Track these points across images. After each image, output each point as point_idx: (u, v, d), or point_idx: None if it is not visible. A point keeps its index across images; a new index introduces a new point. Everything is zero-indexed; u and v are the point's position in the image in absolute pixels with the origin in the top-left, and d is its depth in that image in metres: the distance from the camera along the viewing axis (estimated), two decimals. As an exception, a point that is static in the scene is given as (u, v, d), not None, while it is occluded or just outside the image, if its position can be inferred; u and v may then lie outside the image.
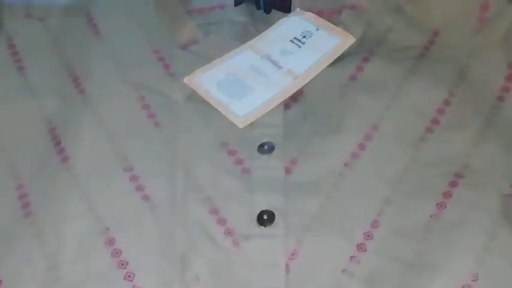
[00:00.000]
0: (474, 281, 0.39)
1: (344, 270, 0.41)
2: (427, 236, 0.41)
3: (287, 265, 0.41)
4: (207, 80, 0.49)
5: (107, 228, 0.42)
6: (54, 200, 0.44)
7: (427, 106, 0.47)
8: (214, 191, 0.44)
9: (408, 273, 0.40)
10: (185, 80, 0.49)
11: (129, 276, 0.40)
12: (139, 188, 0.44)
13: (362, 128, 0.46)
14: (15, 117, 0.48)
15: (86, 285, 0.40)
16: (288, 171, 0.45)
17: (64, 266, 0.41)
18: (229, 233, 0.42)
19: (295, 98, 0.49)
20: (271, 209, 0.43)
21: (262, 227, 0.42)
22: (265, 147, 0.46)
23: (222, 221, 0.43)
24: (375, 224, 0.42)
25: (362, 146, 0.46)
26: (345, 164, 0.45)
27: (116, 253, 0.41)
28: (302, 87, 0.49)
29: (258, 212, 0.43)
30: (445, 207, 0.42)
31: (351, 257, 0.41)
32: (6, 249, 0.42)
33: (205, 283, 0.40)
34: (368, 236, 0.42)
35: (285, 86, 0.49)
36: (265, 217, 0.43)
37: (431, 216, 0.42)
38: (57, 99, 0.49)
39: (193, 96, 0.49)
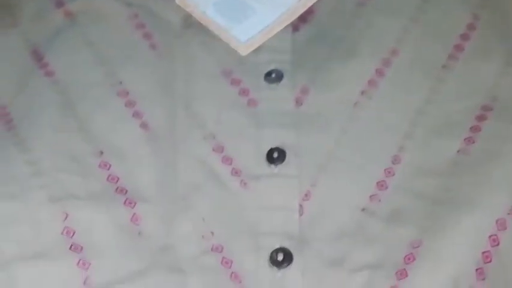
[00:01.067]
0: (510, 214, 0.36)
1: (363, 209, 0.37)
2: (455, 172, 0.38)
3: (301, 206, 0.37)
4: (202, 0, 0.44)
5: (101, 152, 0.38)
6: (39, 115, 0.39)
7: (449, 30, 0.42)
8: (217, 127, 0.40)
9: (435, 210, 0.37)
10: (177, 0, 0.44)
11: (130, 202, 0.37)
12: (136, 115, 0.40)
13: (379, 52, 0.42)
14: None
15: (83, 203, 0.36)
16: (298, 102, 0.41)
17: (49, 173, 0.37)
18: (236, 173, 0.38)
19: (304, 18, 0.44)
20: (281, 147, 0.39)
21: (273, 166, 0.39)
22: (273, 75, 0.42)
23: (227, 160, 0.39)
24: (396, 160, 0.38)
25: (379, 73, 0.41)
26: (362, 93, 0.41)
27: (113, 179, 0.38)
28: (312, 6, 0.44)
29: (267, 149, 0.39)
30: (474, 142, 0.38)
31: (371, 196, 0.38)
32: None
33: (210, 223, 0.37)
34: (389, 172, 0.38)
35: (293, 5, 0.44)
36: (275, 155, 0.39)
37: (458, 151, 0.38)
38: (39, 22, 0.44)
39: (189, 20, 0.44)
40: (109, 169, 0.38)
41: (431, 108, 0.40)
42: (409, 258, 0.35)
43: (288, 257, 0.36)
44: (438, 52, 0.42)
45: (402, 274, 0.35)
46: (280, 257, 0.36)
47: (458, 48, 0.42)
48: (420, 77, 0.41)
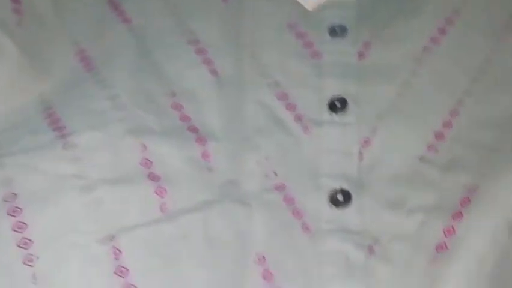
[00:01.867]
0: None
1: (421, 158, 0.38)
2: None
3: (360, 152, 0.39)
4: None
5: (174, 94, 0.40)
6: (118, 58, 0.42)
7: None
8: (282, 76, 0.41)
9: (492, 158, 0.38)
10: None
11: (200, 140, 0.39)
12: (206, 62, 0.42)
13: (442, 11, 0.43)
14: None
15: (159, 137, 0.38)
16: (361, 55, 0.42)
17: (128, 108, 0.39)
18: (298, 118, 0.40)
19: None
20: (343, 96, 0.40)
21: (334, 114, 0.40)
22: (337, 29, 0.43)
23: (291, 107, 0.41)
24: (454, 113, 0.40)
25: (442, 31, 0.42)
26: (424, 48, 0.42)
27: (185, 118, 0.40)
28: (379, -37, 0.45)
29: (329, 97, 0.41)
30: None
31: (428, 146, 0.39)
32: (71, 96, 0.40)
33: (273, 163, 0.39)
34: (447, 124, 0.39)
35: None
36: (337, 104, 0.40)
37: None
38: None
39: None
40: (180, 110, 0.40)
41: (491, 67, 0.41)
42: (465, 201, 0.36)
43: (347, 198, 0.38)
44: (501, 14, 0.43)
45: (457, 216, 0.36)
46: (340, 197, 0.38)
47: None
48: (481, 36, 0.42)
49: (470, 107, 0.40)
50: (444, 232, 0.36)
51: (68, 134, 0.37)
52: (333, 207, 0.38)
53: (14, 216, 0.35)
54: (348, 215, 0.37)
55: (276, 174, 0.38)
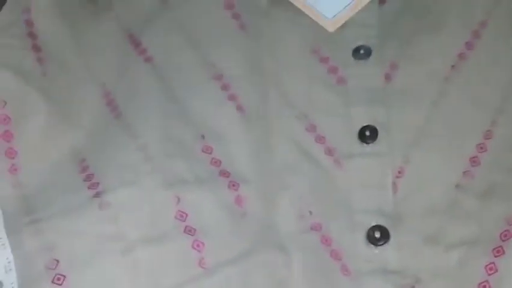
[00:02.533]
0: None
1: (457, 186, 0.38)
2: None
3: (394, 184, 0.38)
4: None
5: (203, 136, 0.39)
6: (143, 101, 0.41)
7: None
8: (309, 106, 0.41)
9: None
10: None
11: (233, 185, 0.38)
12: (232, 98, 0.41)
13: (468, 24, 0.41)
14: (94, 28, 0.44)
15: (192, 187, 0.38)
16: (387, 78, 0.41)
17: (159, 159, 0.38)
18: (329, 152, 0.39)
19: None
20: (373, 124, 0.40)
21: (365, 144, 0.39)
22: (361, 51, 0.42)
23: (320, 139, 0.40)
24: (488, 135, 0.39)
25: (469, 45, 0.41)
26: (452, 67, 0.41)
27: (215, 162, 0.39)
28: (398, -23, 0.43)
29: (359, 128, 0.40)
30: None
31: (464, 172, 0.38)
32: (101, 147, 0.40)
33: (307, 202, 0.38)
34: (482, 148, 0.39)
35: (378, -23, 0.44)
36: (367, 133, 0.40)
37: None
38: (132, 5, 0.45)
39: None
40: (211, 153, 0.39)
41: None
42: (505, 235, 0.36)
43: (385, 234, 0.37)
44: None
45: (499, 251, 0.36)
46: (377, 234, 0.37)
47: None
48: (510, 49, 0.41)
49: (504, 128, 0.39)
50: (486, 269, 0.35)
51: (102, 192, 0.37)
52: (371, 245, 0.37)
53: (59, 284, 0.35)
54: (386, 253, 0.37)
55: (311, 213, 0.38)
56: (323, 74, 0.42)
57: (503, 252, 0.35)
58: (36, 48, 0.42)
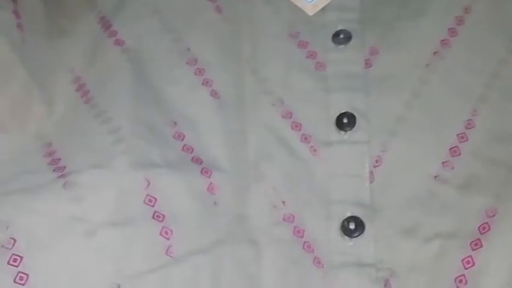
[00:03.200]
0: None
1: (436, 177, 0.37)
2: None
3: (371, 173, 0.37)
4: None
5: (175, 123, 0.38)
6: (115, 85, 0.39)
7: None
8: (286, 92, 0.39)
9: (510, 177, 0.36)
10: None
11: (206, 171, 0.37)
12: (206, 83, 0.39)
13: (452, 11, 0.40)
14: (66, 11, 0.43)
15: (163, 170, 0.37)
16: (367, 63, 0.40)
17: (130, 141, 0.37)
18: (305, 139, 0.38)
19: None
20: (351, 111, 0.38)
21: (342, 132, 0.38)
22: (341, 35, 0.40)
23: (297, 126, 0.39)
24: (469, 125, 0.38)
25: (452, 32, 0.40)
26: (434, 53, 0.39)
27: (188, 149, 0.38)
28: (381, -40, 0.42)
29: (337, 114, 0.38)
30: None
31: (443, 162, 0.37)
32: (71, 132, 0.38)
33: (281, 193, 0.37)
34: (462, 137, 0.37)
35: (361, -40, 0.42)
36: (345, 120, 0.38)
37: None
38: None
39: None
40: (183, 140, 0.38)
41: (506, 69, 0.39)
42: (484, 228, 0.35)
43: (360, 226, 0.36)
44: None
45: (476, 244, 0.35)
46: (352, 226, 0.36)
47: None
48: (494, 36, 0.39)
49: (486, 117, 0.38)
50: (463, 263, 0.34)
51: (68, 173, 0.36)
52: (346, 237, 0.36)
53: (15, 266, 0.34)
54: (361, 245, 0.36)
55: (284, 203, 0.37)
56: (301, 59, 0.40)
57: (481, 246, 0.34)
58: (17, 14, 0.40)
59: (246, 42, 0.41)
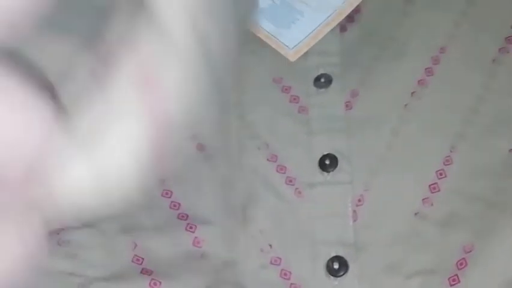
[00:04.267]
0: None
1: (416, 214, 0.38)
2: (508, 173, 0.38)
3: (354, 212, 0.39)
4: (251, 6, 0.45)
5: (163, 180, 0.40)
6: None
7: (500, 22, 0.41)
8: (271, 136, 0.41)
9: (487, 213, 0.37)
10: None
11: (190, 227, 0.39)
12: (193, 136, 0.41)
13: (428, 50, 0.42)
14: None
15: (150, 233, 0.39)
16: (348, 106, 0.41)
17: None
18: (290, 181, 0.40)
19: (351, 17, 0.44)
20: (333, 152, 0.40)
21: (326, 173, 0.40)
22: (322, 79, 0.42)
23: (281, 169, 0.40)
24: (448, 161, 0.39)
25: (429, 71, 0.41)
26: (412, 93, 0.41)
27: (175, 206, 0.39)
28: (359, 5, 0.44)
29: (319, 156, 0.40)
30: None
31: (423, 199, 0.38)
32: None
33: (268, 236, 0.39)
34: (441, 174, 0.39)
35: (340, 5, 0.44)
36: (327, 162, 0.40)
37: (510, 150, 0.38)
38: None
39: None
40: (170, 197, 0.40)
41: (483, 105, 0.40)
42: (461, 264, 0.36)
43: (344, 265, 0.38)
44: (489, 46, 0.41)
45: (454, 280, 0.36)
46: (336, 265, 0.38)
47: (510, 40, 0.41)
48: (470, 73, 0.41)
49: (464, 153, 0.39)
50: None
51: (61, 231, 0.38)
52: (331, 277, 0.37)
53: None
54: (346, 285, 0.37)
55: (271, 246, 0.38)
56: (285, 103, 0.42)
57: (459, 281, 0.36)
58: None
59: (233, 89, 0.42)
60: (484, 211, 0.37)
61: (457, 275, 0.36)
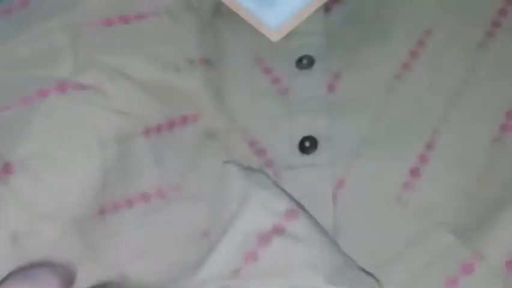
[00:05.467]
0: None
1: (397, 198, 0.37)
2: (490, 163, 0.37)
3: (334, 195, 0.38)
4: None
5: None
6: None
7: (488, 5, 0.41)
8: (251, 119, 0.40)
9: (472, 207, 0.36)
10: None
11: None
12: None
13: (414, 33, 0.41)
14: None
15: None
16: (330, 88, 0.40)
17: None
18: (269, 164, 0.39)
19: None
20: (313, 135, 0.39)
21: (305, 155, 0.39)
22: (304, 61, 0.41)
23: (261, 153, 0.39)
24: (430, 146, 0.38)
25: (414, 55, 0.40)
26: (396, 76, 0.40)
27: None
28: (345, -16, 0.43)
29: (300, 139, 0.39)
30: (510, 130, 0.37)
31: (404, 183, 0.37)
32: None
33: None
34: (423, 159, 0.38)
35: (325, -15, 0.43)
36: (307, 144, 0.39)
37: (494, 140, 0.37)
38: None
39: (220, 8, 0.43)
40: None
41: (468, 90, 0.39)
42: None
43: None
44: (475, 29, 0.40)
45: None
46: None
47: (496, 24, 0.40)
48: (455, 57, 0.40)
49: (447, 139, 0.38)
50: None
51: None
52: None
53: None
54: None
55: None
56: (265, 85, 0.41)
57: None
58: None
59: (211, 71, 0.41)
60: (466, 204, 0.36)
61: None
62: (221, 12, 0.43)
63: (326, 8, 0.43)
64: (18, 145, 0.35)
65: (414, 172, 0.38)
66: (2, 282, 0.32)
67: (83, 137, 0.36)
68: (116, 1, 0.39)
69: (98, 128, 0.36)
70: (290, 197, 0.35)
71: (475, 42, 0.40)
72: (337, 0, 0.43)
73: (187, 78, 0.39)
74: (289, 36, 0.42)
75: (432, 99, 0.39)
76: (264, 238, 0.33)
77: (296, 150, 0.39)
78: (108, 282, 0.34)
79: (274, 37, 0.42)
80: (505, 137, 0.37)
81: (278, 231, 0.34)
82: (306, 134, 0.39)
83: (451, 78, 0.40)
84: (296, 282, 0.32)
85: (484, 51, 0.40)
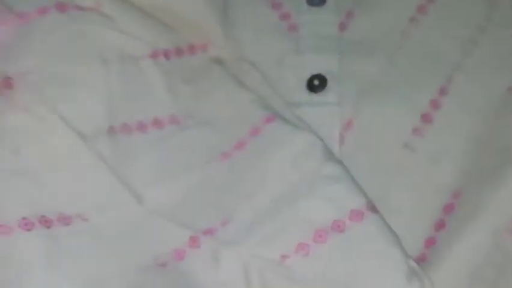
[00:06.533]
0: None
1: (405, 144, 0.36)
2: (503, 113, 0.36)
3: (341, 135, 0.36)
4: None
5: None
6: None
7: None
8: (259, 55, 0.38)
9: (478, 155, 0.35)
10: None
11: None
12: None
13: None
14: None
15: None
16: (342, 27, 0.39)
17: None
18: None
19: None
20: (322, 73, 0.37)
21: (313, 94, 0.37)
22: None
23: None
24: (443, 92, 0.37)
25: None
26: (410, 19, 0.38)
27: None
28: None
29: (308, 76, 0.37)
30: None
31: (414, 129, 0.36)
32: None
33: None
34: (435, 104, 0.36)
35: None
36: (315, 82, 0.37)
37: (509, 89, 0.36)
38: None
39: None
40: None
41: (483, 37, 0.38)
42: (448, 208, 0.34)
43: None
44: None
45: (440, 226, 0.34)
46: None
47: None
48: (472, 3, 0.39)
49: (461, 85, 0.37)
50: (425, 243, 0.34)
51: None
52: None
53: None
54: None
55: None
56: (274, 21, 0.39)
57: (444, 226, 0.34)
58: None
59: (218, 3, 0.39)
60: (476, 150, 0.35)
61: (443, 219, 0.34)
62: None
63: None
64: (18, 60, 0.33)
65: (426, 117, 0.36)
66: None
67: (84, 53, 0.34)
68: None
69: (99, 44, 0.34)
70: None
71: None
72: None
73: (188, 1, 0.37)
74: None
75: (447, 44, 0.38)
76: (320, 233, 0.32)
77: (304, 88, 0.37)
78: None
79: (286, -29, 0.40)
80: None
81: (337, 229, 0.32)
82: (315, 72, 0.38)
83: (466, 24, 0.38)
84: None
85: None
